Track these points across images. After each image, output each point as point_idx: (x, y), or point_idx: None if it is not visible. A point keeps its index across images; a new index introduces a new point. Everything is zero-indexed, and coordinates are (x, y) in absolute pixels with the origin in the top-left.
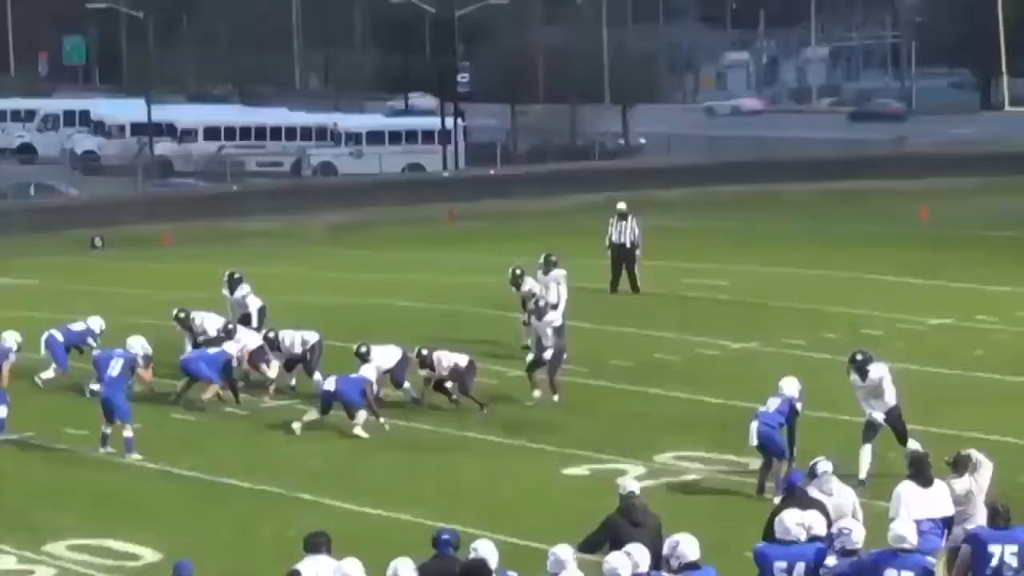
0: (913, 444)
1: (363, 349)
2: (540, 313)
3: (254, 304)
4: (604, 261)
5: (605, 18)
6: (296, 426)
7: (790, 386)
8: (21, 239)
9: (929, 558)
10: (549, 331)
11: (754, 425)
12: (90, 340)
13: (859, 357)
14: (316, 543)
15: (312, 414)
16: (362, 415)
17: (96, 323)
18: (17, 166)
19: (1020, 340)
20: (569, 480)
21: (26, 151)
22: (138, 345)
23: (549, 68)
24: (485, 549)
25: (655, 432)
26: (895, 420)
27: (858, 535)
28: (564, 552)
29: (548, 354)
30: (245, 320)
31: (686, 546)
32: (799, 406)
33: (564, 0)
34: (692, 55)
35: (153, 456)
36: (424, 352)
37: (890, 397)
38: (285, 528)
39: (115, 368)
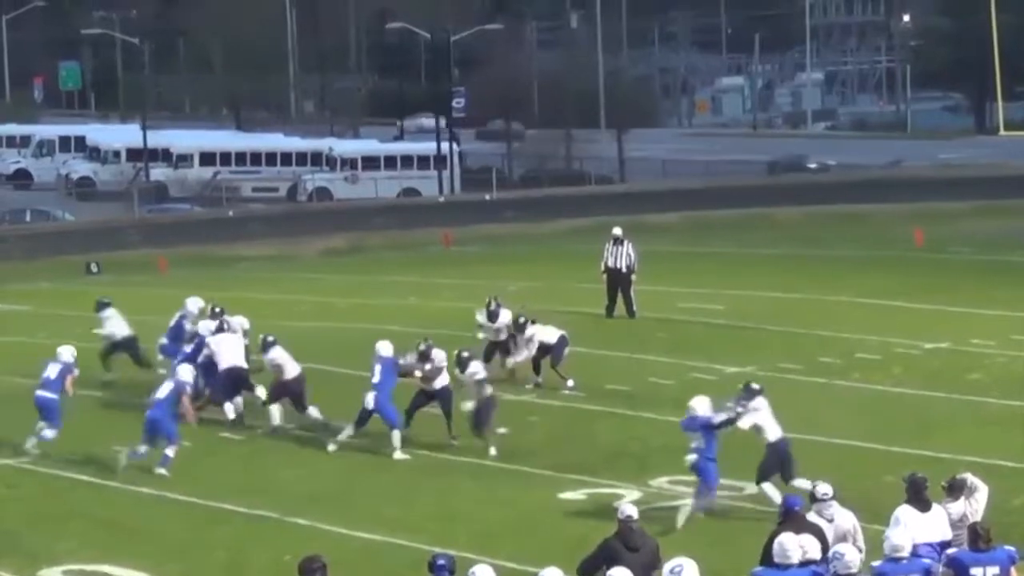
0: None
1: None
2: (463, 365)
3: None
4: (599, 286)
5: (600, 43)
6: (331, 448)
7: (702, 407)
8: (17, 265)
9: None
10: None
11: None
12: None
13: None
14: (311, 569)
15: (349, 431)
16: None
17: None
18: (12, 192)
19: (1015, 364)
20: (565, 504)
21: (21, 177)
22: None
23: (544, 93)
24: (483, 574)
25: (650, 456)
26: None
27: (852, 559)
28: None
29: (470, 405)
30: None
31: (687, 571)
32: (716, 420)
33: (559, 25)
34: (687, 80)
35: (148, 481)
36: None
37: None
38: (280, 553)
39: (163, 391)
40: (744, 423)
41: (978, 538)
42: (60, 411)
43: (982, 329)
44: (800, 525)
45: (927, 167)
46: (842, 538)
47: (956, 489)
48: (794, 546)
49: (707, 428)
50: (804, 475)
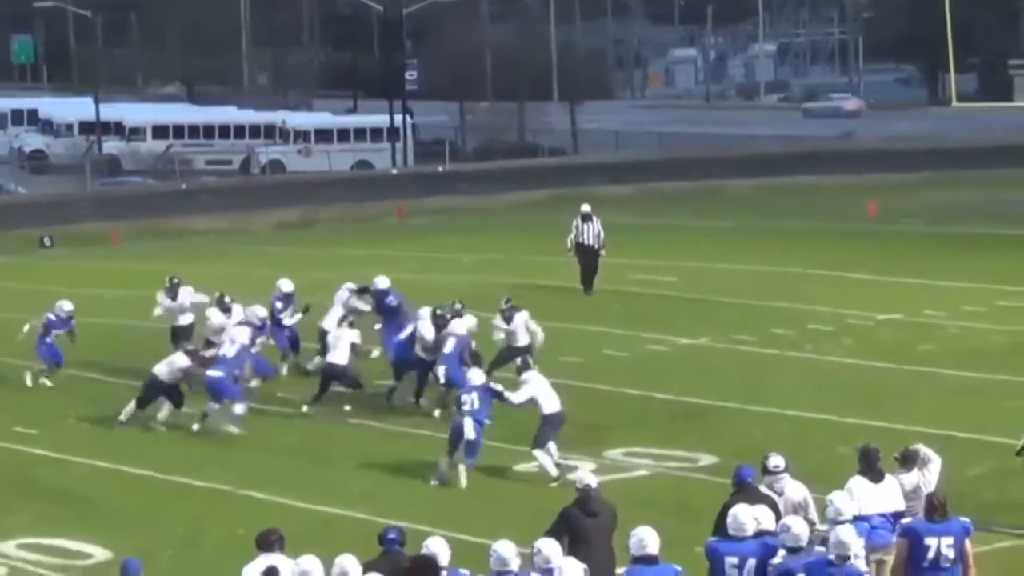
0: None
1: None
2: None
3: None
4: (552, 258)
5: (553, 15)
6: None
7: (478, 378)
8: None
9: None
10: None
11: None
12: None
13: None
14: (269, 541)
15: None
16: None
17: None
18: None
19: (968, 335)
20: (520, 476)
21: None
22: None
23: (497, 66)
24: (436, 546)
25: (605, 428)
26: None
27: (799, 531)
28: (506, 548)
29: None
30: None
31: (649, 540)
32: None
33: None
34: (640, 52)
35: (105, 455)
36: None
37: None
38: (236, 526)
39: (230, 351)
40: (517, 398)
41: (934, 509)
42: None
43: (934, 300)
44: (753, 496)
45: (879, 139)
46: (793, 511)
47: (909, 460)
48: (748, 517)
49: (488, 394)
50: (762, 447)
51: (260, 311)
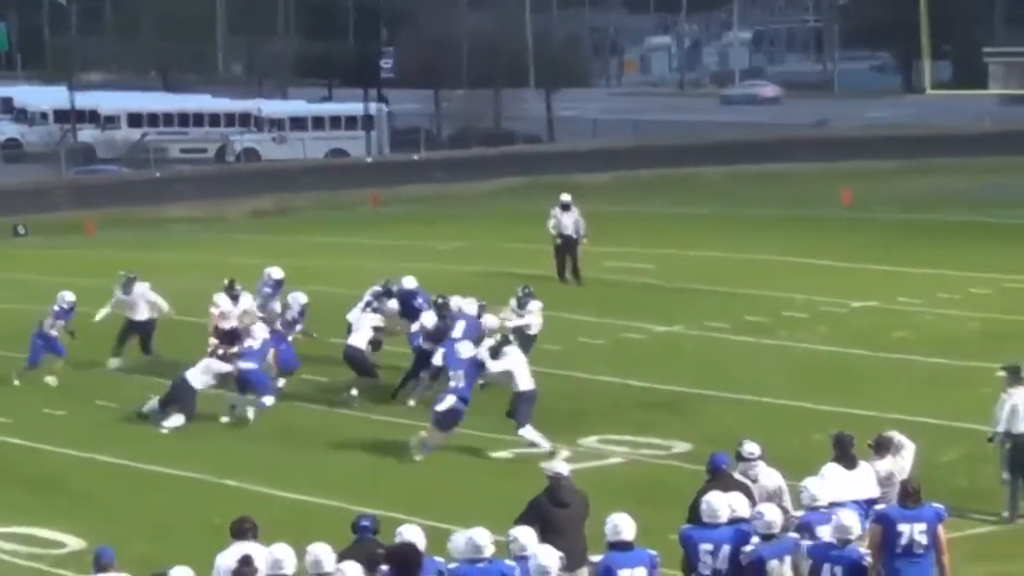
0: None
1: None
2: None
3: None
4: (529, 245)
5: (529, 3)
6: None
7: (467, 350)
8: None
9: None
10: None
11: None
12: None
13: None
14: (242, 529)
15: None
16: None
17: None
18: None
19: (942, 321)
20: (495, 464)
21: None
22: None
23: (473, 53)
24: (411, 533)
25: (580, 416)
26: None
27: (772, 518)
28: (481, 536)
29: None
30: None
31: (625, 528)
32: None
33: None
34: (616, 39)
35: (78, 444)
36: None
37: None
38: (211, 515)
39: (256, 342)
40: (495, 366)
41: (907, 495)
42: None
43: (908, 288)
44: (727, 483)
45: (854, 126)
46: (768, 498)
47: (883, 447)
48: (722, 504)
49: (474, 368)
50: (737, 435)
51: (301, 298)
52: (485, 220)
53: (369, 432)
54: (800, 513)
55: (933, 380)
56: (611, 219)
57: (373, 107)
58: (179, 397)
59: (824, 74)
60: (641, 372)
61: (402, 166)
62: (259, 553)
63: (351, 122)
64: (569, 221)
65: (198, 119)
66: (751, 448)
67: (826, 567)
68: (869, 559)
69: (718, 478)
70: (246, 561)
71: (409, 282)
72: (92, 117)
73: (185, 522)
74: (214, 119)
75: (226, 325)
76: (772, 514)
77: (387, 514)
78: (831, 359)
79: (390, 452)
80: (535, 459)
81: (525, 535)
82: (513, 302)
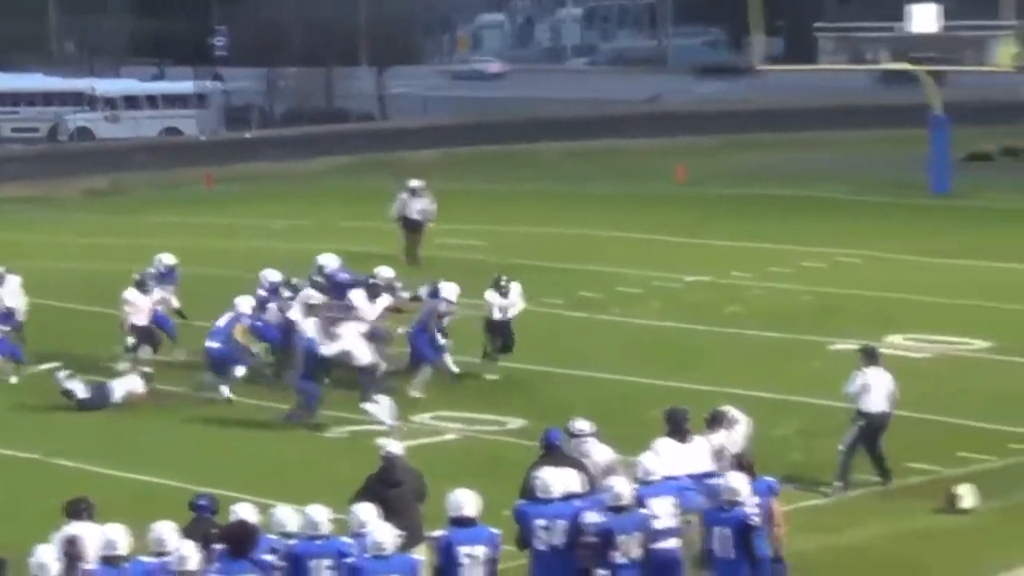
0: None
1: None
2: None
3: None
4: (363, 223)
5: None
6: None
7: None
8: None
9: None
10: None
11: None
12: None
13: None
14: (77, 509)
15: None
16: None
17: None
18: None
19: (774, 296)
20: (330, 443)
21: None
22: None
23: (306, 31)
24: (244, 512)
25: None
26: None
27: (623, 490)
28: (318, 513)
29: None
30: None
31: (467, 503)
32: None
33: None
34: (448, 16)
35: None
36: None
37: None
38: (50, 496)
39: (222, 320)
40: (328, 349)
41: (741, 469)
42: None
43: (741, 262)
44: (560, 459)
45: (686, 102)
46: (602, 474)
47: (716, 421)
48: (555, 480)
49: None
50: (571, 411)
51: (272, 275)
52: (318, 198)
53: (207, 412)
54: (634, 487)
55: (766, 354)
56: (443, 196)
57: (207, 85)
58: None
59: (657, 50)
60: (474, 348)
61: (235, 144)
62: (93, 533)
63: (184, 100)
64: (417, 206)
65: (30, 98)
66: (581, 425)
67: (716, 530)
68: (756, 519)
69: (551, 454)
70: (72, 542)
71: (331, 260)
72: None
73: (28, 505)
74: (46, 98)
75: (140, 321)
76: (622, 486)
77: (226, 493)
78: (665, 334)
79: (230, 431)
80: (370, 438)
81: (365, 511)
82: (491, 290)
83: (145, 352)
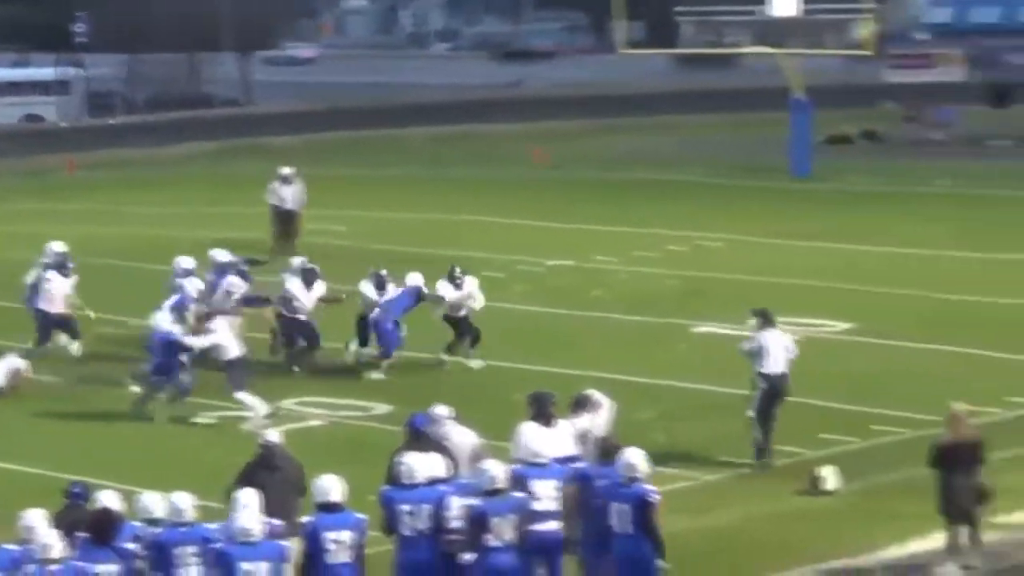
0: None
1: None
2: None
3: None
4: (227, 209)
5: None
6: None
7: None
8: None
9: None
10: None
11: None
12: None
13: None
14: None
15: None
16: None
17: None
18: None
19: (637, 280)
20: (198, 430)
21: None
22: None
23: (169, 16)
24: (107, 499)
25: (278, 378)
26: None
27: (496, 473)
28: (183, 500)
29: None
30: None
31: (334, 489)
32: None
33: None
34: (312, 2)
35: None
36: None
37: None
38: None
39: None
40: (198, 342)
41: (605, 453)
42: None
43: (604, 246)
44: (425, 445)
45: (548, 86)
46: (469, 459)
47: (580, 405)
48: (420, 465)
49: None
50: (432, 398)
51: (221, 255)
52: (183, 184)
53: (75, 400)
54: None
55: (630, 338)
56: (307, 181)
57: (68, 72)
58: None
59: (519, 34)
60: (339, 334)
61: (98, 131)
62: None
63: (45, 87)
64: (289, 194)
65: None
66: (441, 411)
67: (614, 506)
68: (657, 496)
69: (416, 439)
70: None
71: (223, 255)
72: None
73: None
74: None
75: (56, 308)
76: (496, 469)
77: (96, 481)
78: (529, 318)
79: (98, 420)
80: (237, 424)
81: (246, 496)
82: (444, 282)
83: (60, 340)
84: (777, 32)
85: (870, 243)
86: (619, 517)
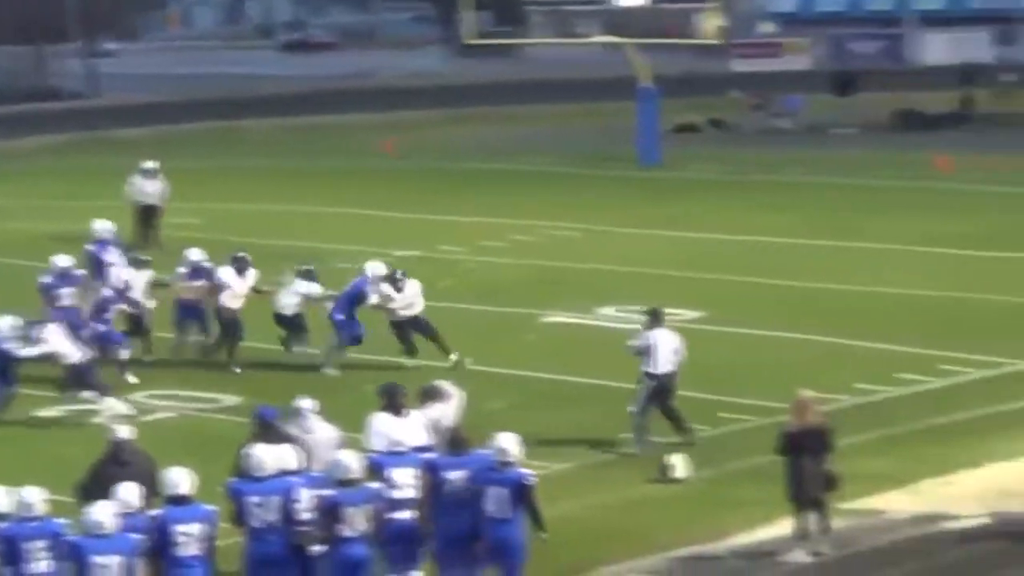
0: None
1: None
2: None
3: None
4: (83, 202)
5: None
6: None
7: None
8: None
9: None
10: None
11: None
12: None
13: None
14: None
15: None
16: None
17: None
18: None
19: (486, 269)
20: (41, 422)
21: None
22: None
23: (12, 7)
24: None
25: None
26: None
27: (350, 464)
28: (32, 495)
29: None
30: None
31: (178, 479)
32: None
33: None
34: None
35: None
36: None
37: None
38: None
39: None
40: (34, 351)
41: (455, 442)
42: None
43: (452, 236)
44: (274, 436)
45: (397, 77)
46: (326, 451)
47: (430, 396)
48: (268, 457)
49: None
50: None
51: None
52: (30, 178)
53: None
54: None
55: (479, 328)
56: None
57: None
58: None
59: (367, 24)
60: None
61: None
62: None
63: None
64: (152, 188)
65: None
66: (305, 404)
67: (491, 490)
68: (533, 479)
69: (265, 431)
70: None
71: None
72: None
73: None
74: None
75: None
76: (349, 459)
77: None
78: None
79: None
80: (82, 417)
81: (127, 491)
82: (386, 286)
83: None
84: (625, 22)
85: (720, 231)
86: (496, 502)
